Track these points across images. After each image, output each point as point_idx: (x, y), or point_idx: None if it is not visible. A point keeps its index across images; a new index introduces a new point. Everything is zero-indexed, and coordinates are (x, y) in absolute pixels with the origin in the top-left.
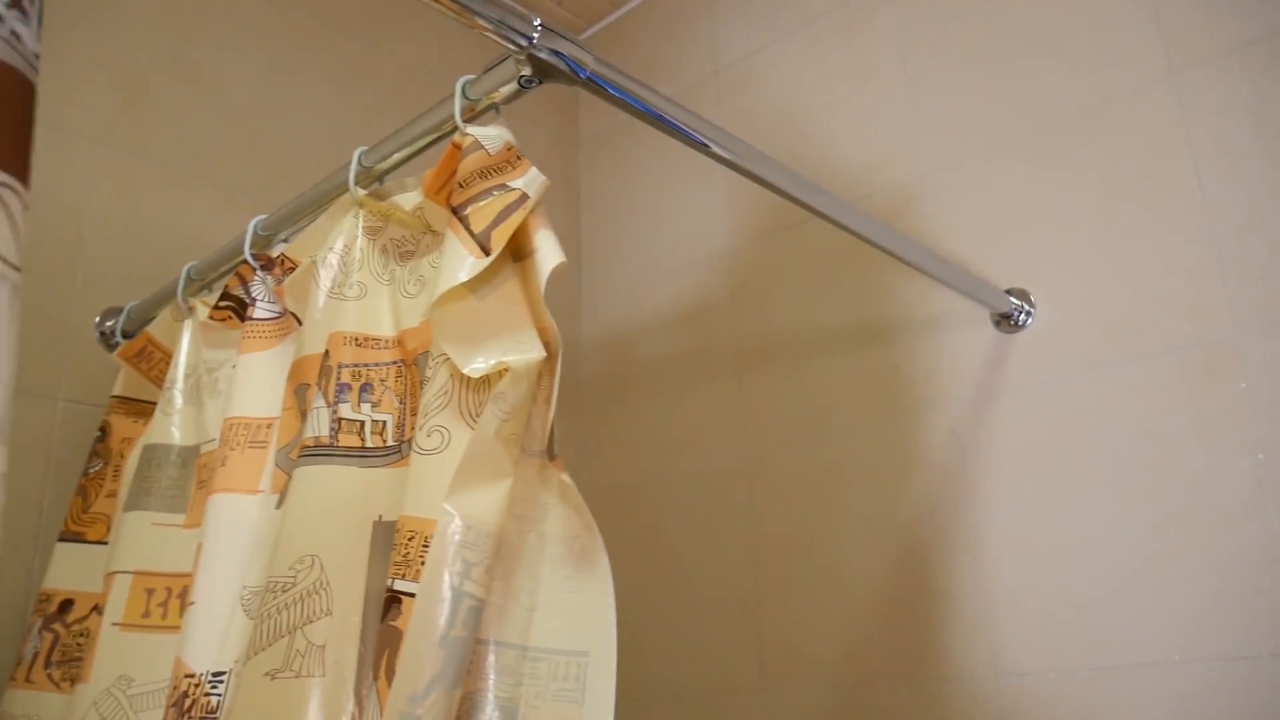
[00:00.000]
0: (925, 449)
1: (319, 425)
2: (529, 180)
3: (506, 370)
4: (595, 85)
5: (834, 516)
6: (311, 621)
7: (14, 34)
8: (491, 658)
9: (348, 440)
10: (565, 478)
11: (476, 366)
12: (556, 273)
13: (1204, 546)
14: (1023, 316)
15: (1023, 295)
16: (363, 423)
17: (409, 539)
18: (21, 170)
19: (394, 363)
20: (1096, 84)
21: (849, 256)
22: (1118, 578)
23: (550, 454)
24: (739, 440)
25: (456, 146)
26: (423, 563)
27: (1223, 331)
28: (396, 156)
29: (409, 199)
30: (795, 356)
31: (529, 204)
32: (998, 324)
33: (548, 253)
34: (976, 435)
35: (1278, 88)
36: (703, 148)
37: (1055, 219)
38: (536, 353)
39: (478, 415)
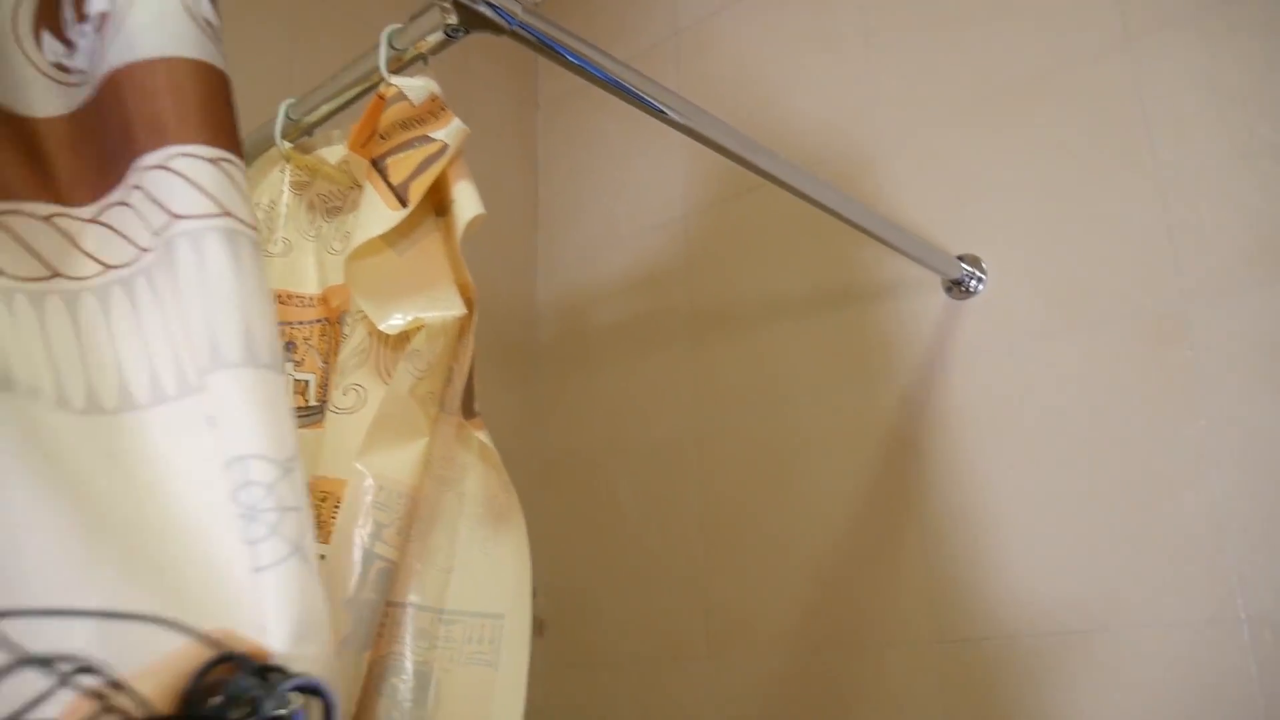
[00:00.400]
0: (875, 416)
1: None
2: (450, 131)
3: (422, 326)
4: (525, 35)
5: (783, 484)
6: None
7: (219, 54)
8: (406, 620)
9: None
10: (484, 437)
11: (393, 323)
12: (474, 225)
13: (1146, 514)
14: (974, 283)
15: (974, 262)
16: None
17: (321, 500)
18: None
19: (318, 321)
20: (1053, 50)
21: (804, 222)
22: (1060, 546)
23: (469, 412)
24: (692, 407)
25: (381, 98)
26: (335, 524)
27: (1170, 299)
28: (324, 109)
29: (335, 152)
30: (749, 323)
31: (448, 154)
32: (949, 290)
33: (466, 204)
34: (926, 402)
35: (1232, 55)
36: (640, 101)
37: (1008, 185)
38: (456, 309)
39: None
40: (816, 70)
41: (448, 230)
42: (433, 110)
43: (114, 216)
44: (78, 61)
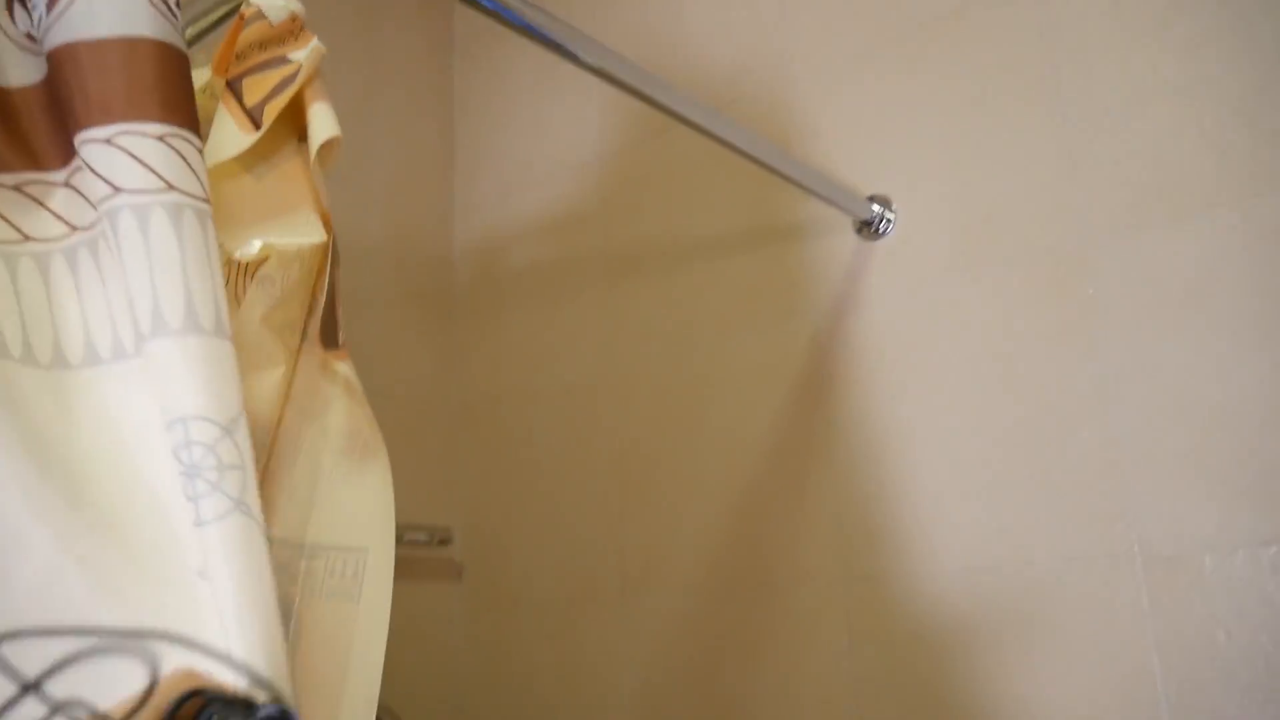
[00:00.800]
0: (786, 358)
1: None
2: (307, 51)
3: (272, 253)
4: None
5: (696, 426)
6: None
7: (174, 31)
8: None
9: None
10: (347, 370)
11: (248, 250)
12: (330, 148)
13: (1047, 452)
14: (883, 224)
15: (884, 202)
16: None
17: None
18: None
19: None
20: None
21: (718, 164)
22: (964, 483)
23: (331, 342)
24: (605, 349)
25: (241, 17)
26: None
27: (1073, 238)
28: (189, 32)
29: (201, 75)
30: (662, 265)
31: (303, 75)
32: (859, 231)
33: (320, 127)
34: (834, 344)
35: None
36: (539, 36)
37: (919, 125)
38: (314, 236)
39: None
40: (732, 10)
41: (307, 155)
42: (292, 30)
43: (80, 181)
44: (39, 31)
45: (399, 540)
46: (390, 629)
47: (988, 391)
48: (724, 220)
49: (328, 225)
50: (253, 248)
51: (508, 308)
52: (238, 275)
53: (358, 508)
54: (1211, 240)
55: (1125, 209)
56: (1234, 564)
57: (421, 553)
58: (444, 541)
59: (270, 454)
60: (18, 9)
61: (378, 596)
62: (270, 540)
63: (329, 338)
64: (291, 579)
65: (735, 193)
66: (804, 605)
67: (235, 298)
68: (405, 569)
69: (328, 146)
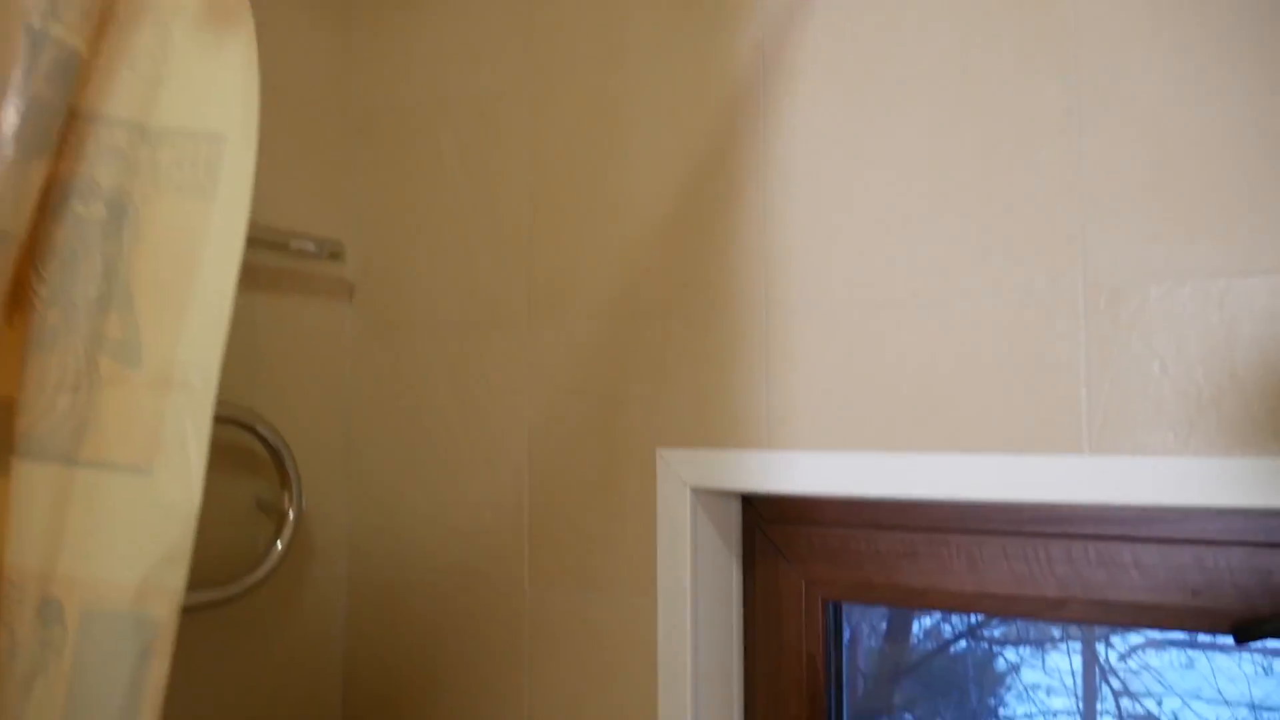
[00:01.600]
0: (725, 69)
1: None
2: None
3: None
4: None
5: (620, 143)
6: None
7: None
8: (95, 135)
9: None
10: None
11: None
12: None
13: (999, 175)
14: None
15: None
16: None
17: None
18: None
19: None
20: None
21: None
22: (903, 210)
23: None
24: (524, 56)
25: None
26: None
27: None
28: None
29: None
30: None
31: None
32: None
33: None
34: (781, 52)
35: None
36: None
37: None
38: None
39: None
40: None
41: None
42: None
43: None
44: None
45: (284, 248)
46: (273, 346)
47: (943, 108)
48: None
49: None
50: None
51: (416, 2)
52: None
53: (215, 87)
54: None
55: None
56: (1180, 296)
57: (310, 266)
58: (335, 255)
59: (107, 13)
60: None
61: (236, 194)
62: (103, 120)
63: None
64: (130, 168)
65: None
66: (720, 333)
67: None
68: (291, 282)
69: None
